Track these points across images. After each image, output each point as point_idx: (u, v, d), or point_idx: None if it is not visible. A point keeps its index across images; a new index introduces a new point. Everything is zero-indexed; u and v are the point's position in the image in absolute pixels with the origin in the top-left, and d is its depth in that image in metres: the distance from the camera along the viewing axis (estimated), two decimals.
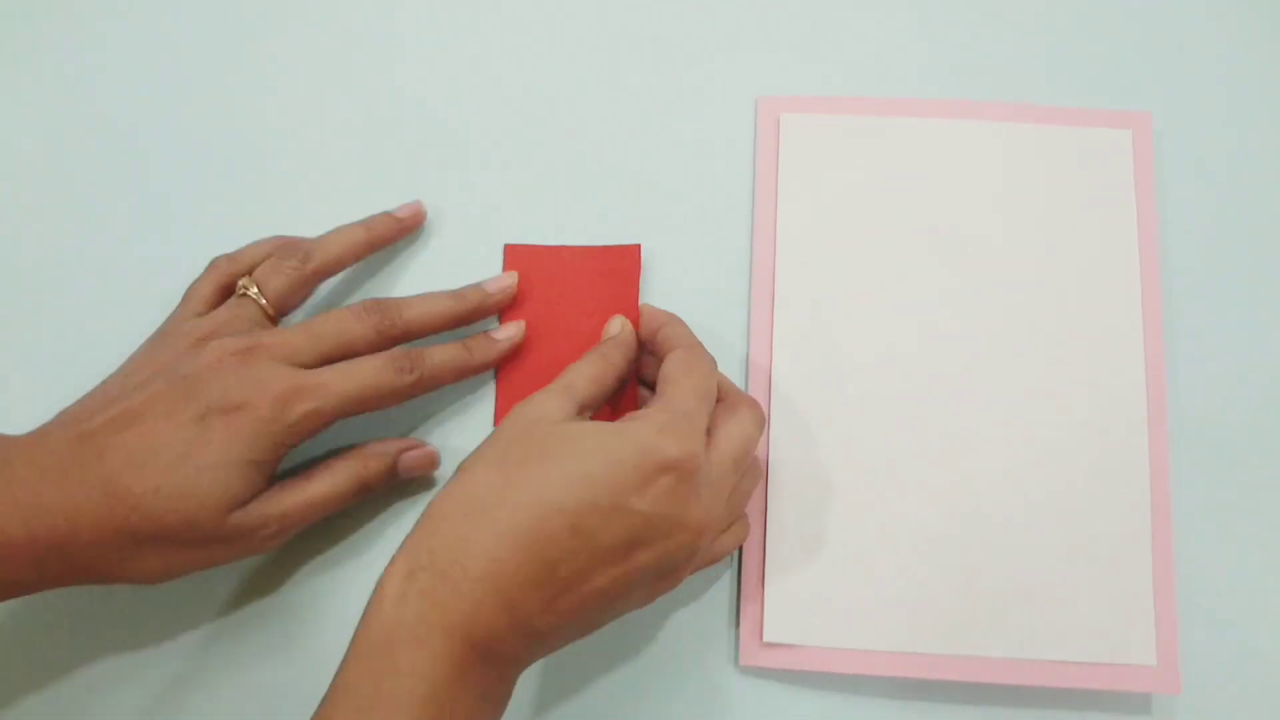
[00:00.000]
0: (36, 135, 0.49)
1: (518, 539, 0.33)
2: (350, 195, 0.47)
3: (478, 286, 0.44)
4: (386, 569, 0.33)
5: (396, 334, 0.42)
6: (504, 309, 0.45)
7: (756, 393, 0.44)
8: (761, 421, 0.39)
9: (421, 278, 0.47)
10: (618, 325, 0.43)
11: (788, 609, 0.42)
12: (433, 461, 0.43)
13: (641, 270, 0.45)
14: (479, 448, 0.36)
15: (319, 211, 0.46)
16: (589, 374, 0.39)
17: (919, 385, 0.44)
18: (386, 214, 0.46)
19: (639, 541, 0.34)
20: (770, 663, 0.42)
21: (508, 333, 0.44)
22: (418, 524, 0.34)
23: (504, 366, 0.44)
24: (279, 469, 0.39)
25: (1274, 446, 0.44)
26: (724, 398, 0.40)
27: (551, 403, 0.37)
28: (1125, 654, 0.41)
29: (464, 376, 0.43)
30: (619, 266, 0.45)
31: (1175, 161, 0.47)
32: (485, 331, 0.44)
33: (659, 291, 0.46)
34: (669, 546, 0.35)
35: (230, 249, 0.43)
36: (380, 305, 0.42)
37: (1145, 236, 0.46)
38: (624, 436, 0.35)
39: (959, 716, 0.42)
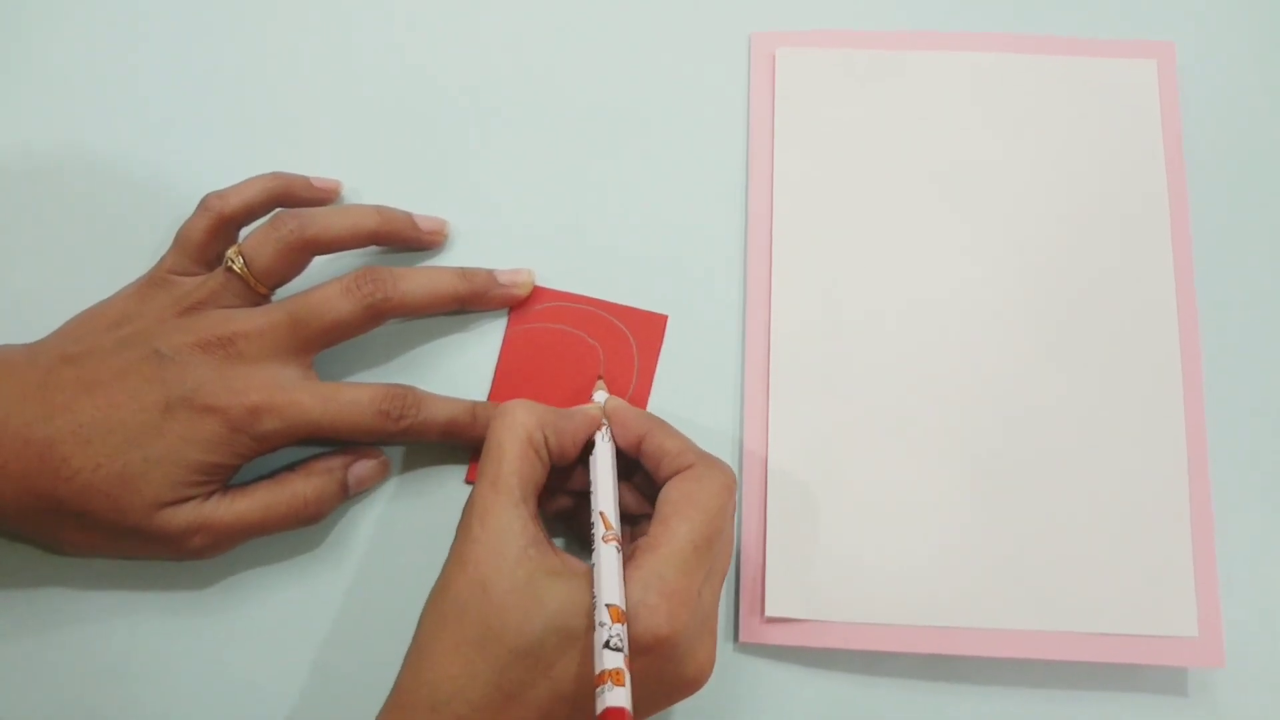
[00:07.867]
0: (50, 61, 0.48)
1: None
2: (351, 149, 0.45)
3: (489, 271, 0.42)
4: None
5: (389, 309, 0.40)
6: (512, 305, 0.43)
7: (754, 352, 0.42)
8: (734, 492, 0.36)
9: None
10: (605, 402, 0.39)
11: (791, 580, 0.39)
12: (385, 469, 0.41)
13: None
14: (434, 607, 0.33)
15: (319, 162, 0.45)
16: (532, 472, 0.35)
17: (931, 339, 0.42)
18: (408, 214, 0.43)
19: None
20: (773, 639, 0.39)
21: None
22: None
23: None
24: (235, 477, 0.39)
25: None
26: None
27: (511, 524, 0.33)
28: (1163, 625, 0.38)
29: (458, 440, 0.40)
30: (639, 331, 0.43)
31: (1200, 94, 0.46)
32: (495, 404, 0.41)
33: (650, 243, 0.44)
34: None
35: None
36: (374, 275, 0.39)
37: (1173, 173, 0.43)
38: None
39: (980, 696, 0.39)
